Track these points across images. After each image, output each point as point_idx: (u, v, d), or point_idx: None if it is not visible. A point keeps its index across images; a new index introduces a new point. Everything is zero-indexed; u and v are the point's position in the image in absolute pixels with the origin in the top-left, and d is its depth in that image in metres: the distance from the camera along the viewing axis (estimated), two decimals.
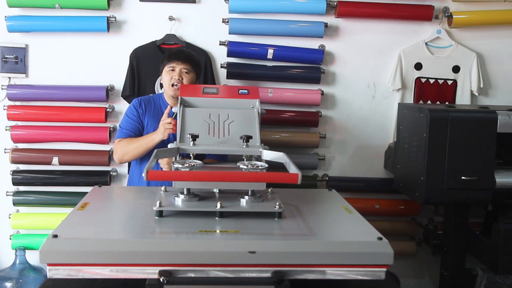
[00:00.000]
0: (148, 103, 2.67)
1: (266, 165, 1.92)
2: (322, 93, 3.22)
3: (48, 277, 1.60)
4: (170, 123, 2.41)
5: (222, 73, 3.21)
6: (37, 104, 3.17)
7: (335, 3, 3.16)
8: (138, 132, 2.62)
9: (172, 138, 2.56)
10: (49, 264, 1.56)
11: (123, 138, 2.59)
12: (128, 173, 2.94)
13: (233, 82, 3.21)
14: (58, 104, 3.16)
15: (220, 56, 3.20)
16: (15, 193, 3.18)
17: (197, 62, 2.70)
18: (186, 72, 2.61)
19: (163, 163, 2.43)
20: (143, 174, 1.64)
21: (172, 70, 2.60)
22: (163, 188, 2.07)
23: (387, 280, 1.65)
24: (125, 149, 2.56)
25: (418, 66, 3.26)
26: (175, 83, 2.58)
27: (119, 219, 1.91)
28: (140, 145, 2.53)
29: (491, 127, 2.65)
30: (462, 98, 3.28)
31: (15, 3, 3.05)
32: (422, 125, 2.68)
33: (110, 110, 3.17)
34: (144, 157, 2.61)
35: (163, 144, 2.52)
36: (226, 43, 3.15)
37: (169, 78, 2.60)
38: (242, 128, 2.15)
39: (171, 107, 2.49)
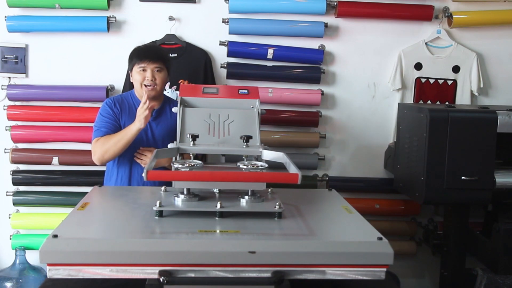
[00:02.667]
0: (122, 103, 2.59)
1: (266, 165, 1.92)
2: (322, 93, 3.22)
3: (48, 277, 1.60)
4: (146, 108, 2.36)
5: (222, 73, 3.21)
6: (37, 104, 3.17)
7: (335, 3, 3.16)
8: (115, 130, 2.52)
9: (149, 138, 2.55)
10: (49, 264, 1.56)
11: (100, 137, 2.49)
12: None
13: (233, 82, 3.21)
14: (58, 104, 3.16)
15: (220, 56, 3.20)
16: (15, 193, 3.18)
17: (167, 58, 2.63)
18: (158, 71, 2.53)
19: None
20: (143, 174, 1.63)
21: (144, 70, 2.52)
22: (163, 188, 2.07)
23: (387, 280, 1.65)
24: (104, 146, 2.45)
25: (418, 66, 3.26)
26: (148, 84, 2.50)
27: (119, 219, 1.91)
28: (119, 139, 2.43)
29: (491, 127, 2.65)
30: (462, 98, 3.28)
31: (15, 3, 3.05)
32: (422, 125, 2.68)
33: None
34: (122, 159, 2.55)
35: (140, 143, 2.50)
36: (226, 43, 3.15)
37: (141, 78, 2.51)
38: (242, 128, 2.15)
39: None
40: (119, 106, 2.58)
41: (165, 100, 2.67)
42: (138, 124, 2.39)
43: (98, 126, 2.54)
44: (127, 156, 2.55)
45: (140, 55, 2.55)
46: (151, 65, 2.52)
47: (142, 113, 2.37)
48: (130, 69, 2.60)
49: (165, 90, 3.10)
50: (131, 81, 2.61)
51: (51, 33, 3.13)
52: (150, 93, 2.50)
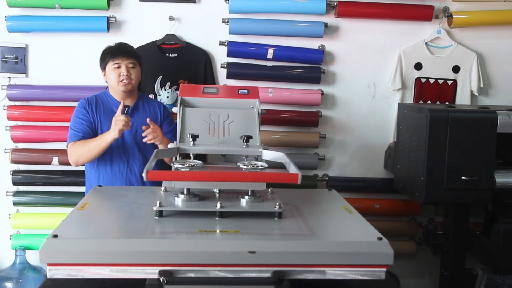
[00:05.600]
0: (96, 103, 2.63)
1: (266, 165, 1.92)
2: (322, 93, 3.22)
3: (48, 277, 1.60)
4: (122, 120, 2.40)
5: (222, 73, 3.21)
6: (37, 104, 3.17)
7: (335, 3, 3.16)
8: (90, 133, 2.57)
9: (126, 135, 2.57)
10: (49, 264, 1.56)
11: (76, 141, 2.55)
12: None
13: (233, 82, 3.21)
14: (58, 104, 3.16)
15: (220, 56, 3.20)
16: (15, 193, 3.18)
17: (138, 55, 2.68)
18: (132, 67, 2.59)
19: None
20: (143, 174, 1.63)
21: (118, 67, 2.57)
22: (163, 188, 2.07)
23: (387, 280, 1.65)
24: (79, 151, 2.52)
25: (418, 66, 3.26)
26: (124, 79, 2.55)
27: (119, 219, 1.91)
28: (93, 146, 2.49)
29: (491, 127, 2.65)
30: (462, 98, 3.28)
31: (15, 3, 3.05)
32: (422, 125, 2.68)
33: None
34: (102, 159, 2.59)
35: (117, 142, 2.53)
36: (226, 43, 3.15)
37: (116, 74, 2.56)
38: (242, 128, 2.15)
39: (124, 105, 2.48)
40: (94, 106, 2.62)
41: (139, 97, 2.72)
42: (112, 134, 2.44)
43: (74, 128, 2.58)
44: (107, 156, 2.58)
45: (113, 52, 2.60)
46: (125, 61, 2.58)
47: (116, 124, 2.41)
48: (103, 68, 2.64)
49: (165, 90, 3.10)
50: (105, 80, 2.65)
51: (51, 33, 3.13)
52: (127, 87, 2.56)
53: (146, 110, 2.69)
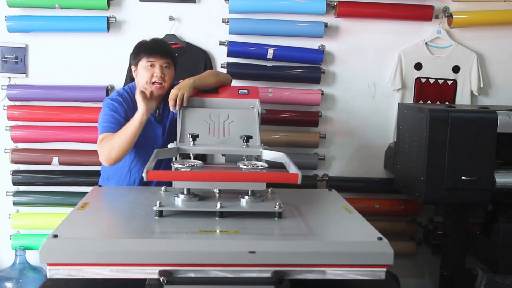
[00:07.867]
0: (126, 102, 2.41)
1: (266, 165, 1.92)
2: (322, 93, 3.22)
3: (48, 277, 1.60)
4: (146, 90, 2.25)
5: None
6: (37, 104, 3.16)
7: (335, 3, 3.16)
8: (122, 126, 2.30)
9: (159, 137, 2.43)
10: (49, 264, 1.56)
11: (105, 134, 2.28)
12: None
13: (233, 82, 3.20)
14: (58, 104, 3.16)
15: (220, 56, 3.20)
16: (15, 193, 3.18)
17: (174, 54, 2.49)
18: (166, 67, 2.39)
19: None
20: (143, 174, 1.63)
21: (152, 65, 2.36)
22: (163, 188, 2.07)
23: (387, 280, 1.65)
24: (109, 143, 2.23)
25: (418, 66, 3.26)
26: (157, 81, 2.36)
27: (119, 219, 1.91)
28: (124, 132, 2.22)
29: (491, 127, 2.65)
30: (462, 98, 3.28)
31: (15, 3, 3.04)
32: (422, 125, 2.68)
33: None
34: (135, 163, 2.42)
35: (153, 143, 2.38)
36: (226, 43, 3.15)
37: (149, 74, 2.35)
38: (242, 128, 2.15)
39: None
40: (130, 103, 2.41)
41: (164, 97, 2.52)
42: (140, 109, 2.22)
43: (103, 122, 2.33)
44: (140, 159, 2.43)
45: (148, 49, 2.40)
46: (160, 61, 2.37)
47: (140, 93, 2.23)
48: (134, 64, 2.44)
49: None
50: (134, 77, 2.46)
51: (51, 33, 3.13)
52: (158, 92, 2.39)
53: (172, 112, 2.44)
